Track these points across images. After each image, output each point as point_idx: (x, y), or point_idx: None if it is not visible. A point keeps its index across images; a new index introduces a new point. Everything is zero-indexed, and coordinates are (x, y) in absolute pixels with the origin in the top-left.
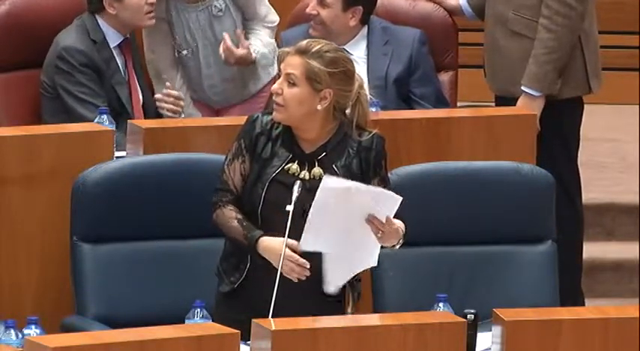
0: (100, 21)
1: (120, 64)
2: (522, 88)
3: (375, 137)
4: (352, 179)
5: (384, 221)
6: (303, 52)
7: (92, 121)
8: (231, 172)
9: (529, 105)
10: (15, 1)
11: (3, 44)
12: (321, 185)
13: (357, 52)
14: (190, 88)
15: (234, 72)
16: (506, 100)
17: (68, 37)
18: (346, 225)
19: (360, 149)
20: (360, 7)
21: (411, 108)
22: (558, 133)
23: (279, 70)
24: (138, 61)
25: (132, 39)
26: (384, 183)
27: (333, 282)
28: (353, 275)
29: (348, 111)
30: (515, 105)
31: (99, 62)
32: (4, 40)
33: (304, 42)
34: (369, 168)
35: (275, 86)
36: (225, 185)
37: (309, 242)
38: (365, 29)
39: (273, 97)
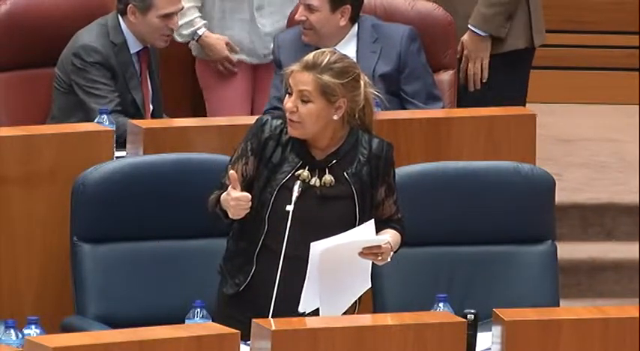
0: (123, 25)
1: (137, 70)
2: (470, 26)
3: (385, 144)
4: (362, 187)
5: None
6: (312, 68)
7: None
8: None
9: (475, 44)
10: (16, 0)
11: (4, 44)
12: (310, 252)
13: (348, 51)
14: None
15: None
16: None
17: (87, 36)
18: (341, 272)
19: (371, 157)
20: (349, 6)
21: (403, 106)
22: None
23: (287, 85)
24: (157, 68)
25: (152, 49)
26: (391, 190)
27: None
28: (354, 301)
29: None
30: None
31: (115, 64)
32: (4, 39)
33: (310, 56)
34: (378, 176)
35: (288, 104)
36: (220, 185)
37: (309, 302)
38: (355, 28)
39: (287, 115)
